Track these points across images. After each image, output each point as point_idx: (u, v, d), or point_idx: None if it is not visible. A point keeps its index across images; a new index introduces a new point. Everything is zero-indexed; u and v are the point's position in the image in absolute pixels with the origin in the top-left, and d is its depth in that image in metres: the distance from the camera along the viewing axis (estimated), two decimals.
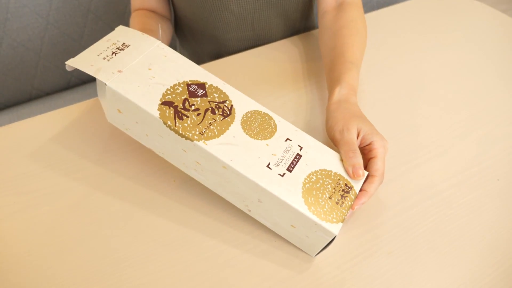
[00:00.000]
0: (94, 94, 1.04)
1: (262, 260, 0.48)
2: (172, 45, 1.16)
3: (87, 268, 0.48)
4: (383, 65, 0.74)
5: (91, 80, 1.12)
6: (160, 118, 0.46)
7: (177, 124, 0.46)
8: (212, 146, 0.46)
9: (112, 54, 0.51)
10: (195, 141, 0.46)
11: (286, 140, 0.50)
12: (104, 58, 0.50)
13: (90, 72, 0.48)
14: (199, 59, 0.90)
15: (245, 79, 0.71)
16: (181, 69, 0.52)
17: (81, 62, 0.50)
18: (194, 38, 0.86)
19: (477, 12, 0.86)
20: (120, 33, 0.54)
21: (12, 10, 0.91)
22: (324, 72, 0.67)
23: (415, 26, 0.83)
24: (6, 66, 0.98)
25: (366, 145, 0.52)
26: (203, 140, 0.46)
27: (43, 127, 0.64)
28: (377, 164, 0.50)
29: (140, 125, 0.49)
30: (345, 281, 0.46)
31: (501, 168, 0.57)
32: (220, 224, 0.51)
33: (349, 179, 0.49)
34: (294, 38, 0.80)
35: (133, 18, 0.78)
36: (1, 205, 0.54)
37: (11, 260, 0.49)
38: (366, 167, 0.51)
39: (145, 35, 0.54)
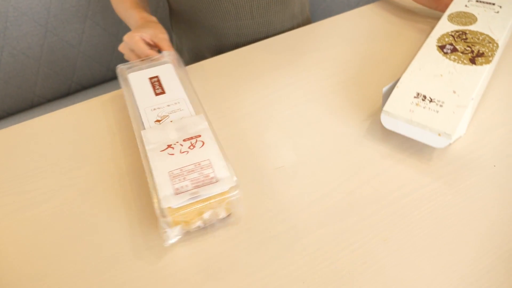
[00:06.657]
0: None
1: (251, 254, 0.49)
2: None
3: (84, 263, 0.49)
4: (377, 58, 0.74)
5: (91, 85, 1.14)
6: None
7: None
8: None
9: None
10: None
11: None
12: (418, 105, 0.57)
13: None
14: (198, 54, 0.89)
15: (250, 71, 0.71)
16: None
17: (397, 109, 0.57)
18: (192, 31, 0.86)
19: None
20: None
21: (11, 19, 0.93)
22: None
23: (407, 20, 0.83)
24: (7, 74, 1.00)
25: None
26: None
27: (42, 128, 0.65)
28: None
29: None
30: (341, 269, 0.46)
31: (497, 155, 0.57)
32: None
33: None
34: (295, 31, 0.81)
35: None
36: (1, 204, 0.55)
37: (9, 257, 0.50)
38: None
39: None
